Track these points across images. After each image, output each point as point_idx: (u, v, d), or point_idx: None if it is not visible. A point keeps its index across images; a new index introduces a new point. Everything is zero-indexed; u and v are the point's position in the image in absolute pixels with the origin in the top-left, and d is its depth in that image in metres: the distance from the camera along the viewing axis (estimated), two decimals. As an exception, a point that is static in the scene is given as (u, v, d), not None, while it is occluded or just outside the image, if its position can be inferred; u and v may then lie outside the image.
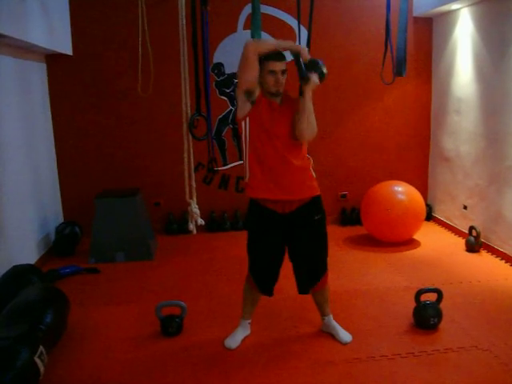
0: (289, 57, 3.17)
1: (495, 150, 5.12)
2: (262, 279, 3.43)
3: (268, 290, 3.46)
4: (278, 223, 3.28)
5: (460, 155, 5.86)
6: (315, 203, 3.33)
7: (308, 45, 3.96)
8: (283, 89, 3.19)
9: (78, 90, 5.99)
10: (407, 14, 4.29)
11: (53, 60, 5.84)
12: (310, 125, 3.14)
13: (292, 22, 5.91)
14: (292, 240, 3.36)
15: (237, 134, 6.27)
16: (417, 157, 6.65)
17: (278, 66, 3.11)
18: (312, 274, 3.42)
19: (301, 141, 3.20)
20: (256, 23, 3.71)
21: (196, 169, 5.81)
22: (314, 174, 3.34)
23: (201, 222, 4.41)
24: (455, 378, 3.04)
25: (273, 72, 3.11)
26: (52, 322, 3.32)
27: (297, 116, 3.14)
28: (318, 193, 3.35)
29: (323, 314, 3.63)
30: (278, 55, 3.12)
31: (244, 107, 3.17)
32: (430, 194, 6.70)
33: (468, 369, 3.14)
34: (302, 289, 3.48)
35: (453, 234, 5.99)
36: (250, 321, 3.62)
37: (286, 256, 3.42)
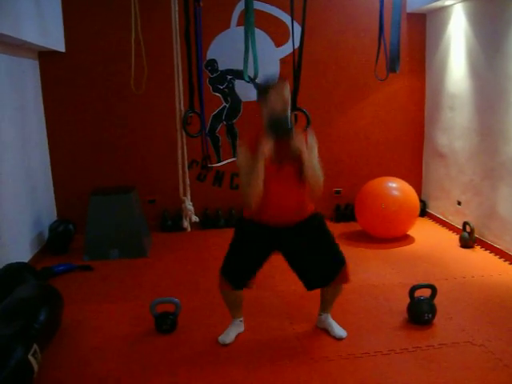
0: None
1: (489, 145, 5.13)
2: (237, 275, 3.38)
3: (241, 285, 3.41)
4: (272, 237, 3.30)
5: (454, 151, 5.87)
6: (311, 216, 3.36)
7: (301, 41, 3.97)
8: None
9: (71, 86, 5.96)
10: (401, 10, 4.30)
11: (45, 57, 5.81)
12: (314, 178, 3.18)
13: (285, 18, 5.90)
14: (290, 250, 3.37)
15: (231, 131, 6.27)
16: (411, 153, 6.67)
17: (283, 90, 3.11)
18: (330, 268, 3.36)
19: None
20: (249, 20, 3.71)
21: (190, 166, 5.79)
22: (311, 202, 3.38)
23: (195, 219, 4.41)
24: (449, 373, 3.05)
25: (279, 94, 3.09)
26: (46, 319, 3.30)
27: (303, 169, 3.13)
28: (312, 211, 3.38)
29: (323, 311, 3.61)
30: (281, 82, 3.15)
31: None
32: (424, 190, 6.71)
33: (462, 364, 3.15)
34: (317, 284, 3.42)
35: (447, 230, 6.00)
36: (241, 318, 3.62)
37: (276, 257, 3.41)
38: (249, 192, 3.10)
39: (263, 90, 3.14)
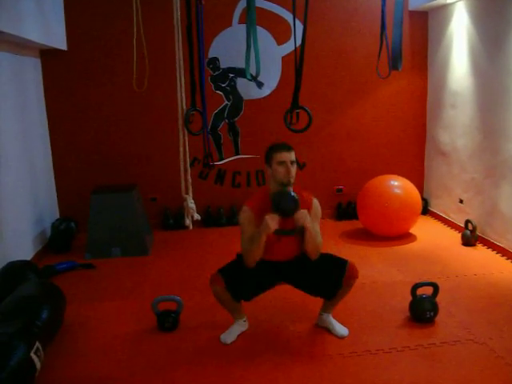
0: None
1: (491, 143, 5.12)
2: (241, 293, 3.42)
3: (244, 299, 3.49)
4: (271, 267, 3.38)
5: (456, 149, 5.86)
6: None
7: (303, 39, 3.96)
8: (294, 179, 3.25)
9: (73, 85, 5.96)
10: (403, 8, 4.28)
11: (47, 55, 5.81)
12: (314, 246, 3.28)
13: (287, 16, 5.89)
14: (294, 276, 3.45)
15: (233, 129, 6.27)
16: (413, 151, 6.66)
17: (288, 157, 3.21)
18: (336, 275, 3.38)
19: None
20: (251, 17, 3.69)
21: (192, 164, 5.79)
22: None
23: (197, 217, 4.40)
24: (451, 371, 3.05)
25: (283, 163, 3.20)
26: (48, 317, 3.31)
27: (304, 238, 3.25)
28: None
29: (325, 311, 3.61)
30: (286, 146, 3.25)
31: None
32: (426, 188, 6.70)
33: (464, 362, 3.15)
34: (333, 292, 3.45)
35: (449, 228, 6.00)
36: (244, 319, 3.61)
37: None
38: (249, 256, 3.26)
39: (268, 152, 3.29)
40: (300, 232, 3.24)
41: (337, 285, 3.39)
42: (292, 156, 3.23)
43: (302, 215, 3.16)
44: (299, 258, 3.39)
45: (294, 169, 3.23)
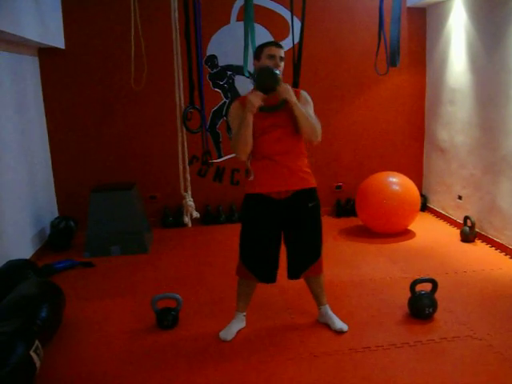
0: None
1: (489, 140, 5.13)
2: (260, 266, 3.42)
3: (268, 277, 3.44)
4: (274, 209, 3.32)
5: (454, 145, 5.87)
6: (310, 192, 3.36)
7: (301, 36, 3.96)
8: (281, 74, 3.21)
9: (71, 83, 5.96)
10: (401, 4, 4.28)
11: (45, 54, 5.81)
12: (310, 127, 3.20)
13: (285, 13, 5.89)
14: (287, 226, 3.39)
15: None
16: (411, 147, 6.66)
17: (277, 52, 3.21)
18: (304, 258, 3.42)
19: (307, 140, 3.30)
20: (249, 15, 3.69)
21: (190, 162, 5.80)
22: (309, 170, 3.40)
23: (196, 214, 4.40)
24: (450, 367, 3.06)
25: (272, 56, 3.20)
26: (47, 316, 3.32)
27: (295, 117, 3.18)
28: (314, 185, 3.40)
29: (320, 304, 3.64)
30: (276, 42, 3.27)
31: None
32: (425, 185, 6.71)
33: (463, 358, 3.15)
34: (293, 273, 3.47)
35: (448, 225, 6.00)
36: (245, 313, 3.63)
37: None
38: (238, 142, 3.18)
39: (257, 49, 3.28)
40: (284, 106, 3.16)
41: (298, 273, 3.45)
42: (281, 52, 3.23)
43: (285, 88, 3.10)
44: (299, 199, 3.32)
45: (282, 64, 3.23)
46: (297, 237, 3.40)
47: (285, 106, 3.17)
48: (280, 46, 3.26)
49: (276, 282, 3.49)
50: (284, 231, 3.42)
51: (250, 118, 3.11)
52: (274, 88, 3.11)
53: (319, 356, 3.24)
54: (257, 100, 3.09)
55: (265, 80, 3.12)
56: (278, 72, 3.13)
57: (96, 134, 6.10)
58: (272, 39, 6.01)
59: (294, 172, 3.29)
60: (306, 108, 3.22)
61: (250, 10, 3.68)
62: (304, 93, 3.35)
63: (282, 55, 3.24)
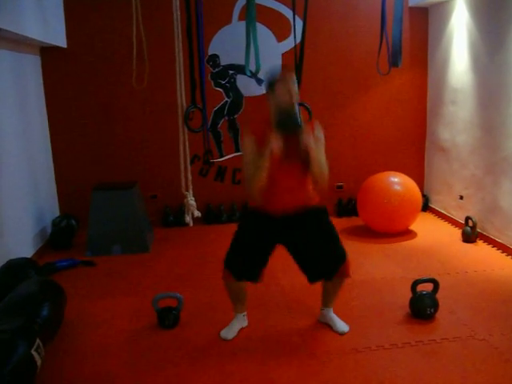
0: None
1: (491, 140, 5.12)
2: (244, 267, 3.37)
3: (253, 276, 3.40)
4: (273, 224, 3.30)
5: (456, 145, 5.86)
6: (313, 208, 3.37)
7: (303, 35, 3.97)
8: (297, 99, 3.18)
9: (73, 82, 5.96)
10: (403, 4, 4.29)
11: (47, 53, 5.81)
12: (320, 172, 3.22)
13: (287, 12, 5.88)
14: (293, 240, 3.37)
15: (233, 126, 6.26)
16: (413, 147, 6.65)
17: (290, 81, 3.12)
18: (330, 264, 3.36)
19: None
20: (251, 14, 3.69)
21: (192, 161, 5.79)
22: (314, 192, 3.40)
23: (197, 214, 4.41)
24: (451, 367, 3.05)
25: (286, 90, 3.10)
26: (49, 315, 3.32)
27: (310, 164, 3.16)
28: (317, 203, 3.41)
29: (325, 305, 3.61)
30: (287, 71, 3.19)
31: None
32: (427, 185, 6.70)
33: (464, 359, 3.15)
34: (318, 276, 3.42)
35: (449, 225, 6.00)
36: (245, 313, 3.62)
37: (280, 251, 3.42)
38: (253, 185, 3.13)
39: (270, 82, 3.15)
40: (304, 155, 3.13)
41: (325, 275, 3.39)
42: (293, 78, 3.15)
43: (307, 135, 3.07)
44: (304, 218, 3.31)
45: (295, 88, 3.14)
46: (315, 246, 3.35)
47: (303, 155, 3.14)
48: (291, 73, 3.19)
49: (262, 281, 3.46)
50: (288, 246, 3.40)
51: (268, 163, 3.07)
52: (295, 131, 3.07)
53: (320, 356, 3.23)
54: (277, 142, 3.04)
55: (286, 125, 3.07)
56: (298, 116, 3.08)
57: (97, 132, 6.10)
58: (274, 38, 6.03)
59: (299, 197, 3.30)
60: (318, 146, 3.18)
61: (251, 10, 3.68)
62: (318, 129, 3.29)
63: (295, 80, 3.15)
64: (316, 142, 3.16)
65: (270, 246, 3.39)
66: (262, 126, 3.21)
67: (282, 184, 3.20)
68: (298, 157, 3.15)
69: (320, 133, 3.27)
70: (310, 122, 3.24)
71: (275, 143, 3.02)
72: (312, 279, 3.44)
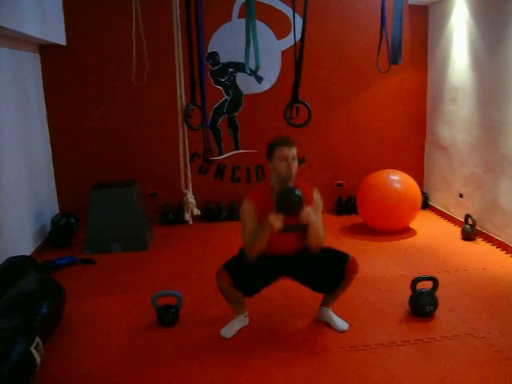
0: None
1: (491, 138, 5.12)
2: (245, 284, 3.39)
3: (250, 293, 3.46)
4: (274, 261, 3.38)
5: (456, 144, 5.86)
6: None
7: (303, 33, 3.95)
8: (295, 174, 3.25)
9: (72, 80, 5.95)
10: (402, 2, 4.27)
11: (46, 50, 5.81)
12: (317, 239, 3.29)
13: (287, 10, 5.88)
14: (296, 268, 3.44)
15: (232, 124, 6.26)
16: (413, 145, 6.65)
17: (289, 153, 3.20)
18: (337, 270, 3.37)
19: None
20: (250, 12, 3.68)
21: (191, 159, 5.78)
22: None
23: (197, 212, 4.41)
24: (451, 365, 3.05)
25: (284, 159, 3.19)
26: (48, 313, 3.32)
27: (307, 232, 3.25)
28: None
29: (324, 305, 3.61)
30: (287, 142, 3.23)
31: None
32: (426, 183, 6.70)
33: (463, 356, 3.15)
34: (332, 287, 3.46)
35: (449, 223, 6.00)
36: (246, 314, 3.61)
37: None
38: (251, 251, 3.26)
39: (270, 147, 3.26)
40: (303, 228, 3.24)
41: (339, 278, 3.38)
42: (293, 152, 3.22)
43: (307, 214, 3.15)
44: (301, 251, 3.38)
45: (294, 164, 3.23)
46: (317, 265, 3.40)
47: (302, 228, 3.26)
48: (291, 145, 3.23)
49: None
50: (293, 275, 3.49)
51: (267, 236, 3.18)
52: (297, 214, 3.14)
53: (320, 354, 3.23)
54: (278, 223, 3.12)
55: (289, 206, 3.13)
56: (300, 196, 3.12)
57: (97, 130, 6.10)
58: (274, 36, 6.02)
59: (297, 244, 3.37)
60: (316, 215, 3.26)
61: (251, 7, 3.67)
62: (317, 196, 3.37)
63: (294, 154, 3.22)
64: (315, 211, 3.26)
65: (273, 278, 3.49)
66: (262, 192, 3.34)
67: (279, 244, 3.30)
68: (296, 228, 3.26)
69: (319, 199, 3.38)
70: (308, 192, 3.29)
71: (275, 223, 3.12)
72: (330, 291, 3.50)
